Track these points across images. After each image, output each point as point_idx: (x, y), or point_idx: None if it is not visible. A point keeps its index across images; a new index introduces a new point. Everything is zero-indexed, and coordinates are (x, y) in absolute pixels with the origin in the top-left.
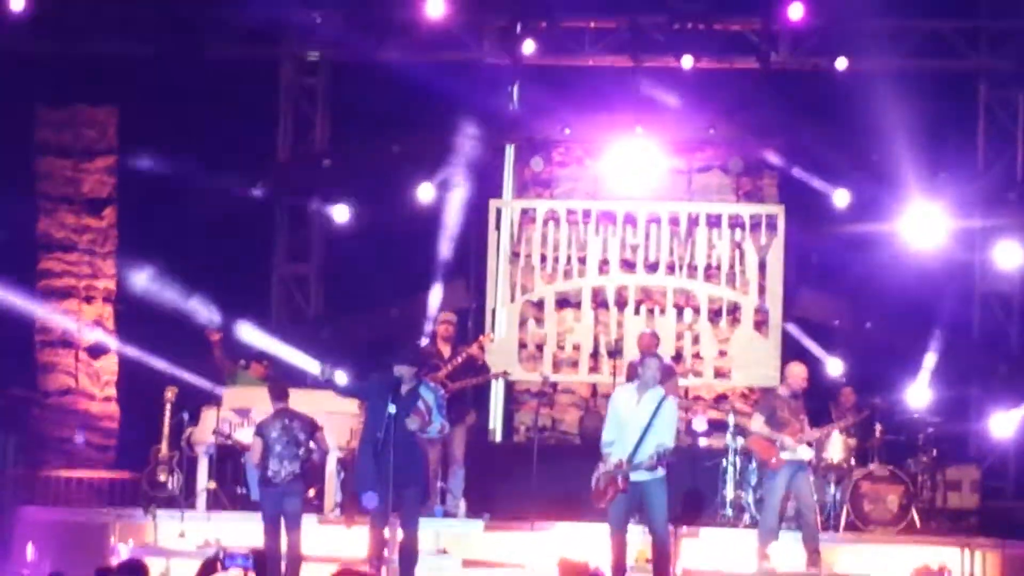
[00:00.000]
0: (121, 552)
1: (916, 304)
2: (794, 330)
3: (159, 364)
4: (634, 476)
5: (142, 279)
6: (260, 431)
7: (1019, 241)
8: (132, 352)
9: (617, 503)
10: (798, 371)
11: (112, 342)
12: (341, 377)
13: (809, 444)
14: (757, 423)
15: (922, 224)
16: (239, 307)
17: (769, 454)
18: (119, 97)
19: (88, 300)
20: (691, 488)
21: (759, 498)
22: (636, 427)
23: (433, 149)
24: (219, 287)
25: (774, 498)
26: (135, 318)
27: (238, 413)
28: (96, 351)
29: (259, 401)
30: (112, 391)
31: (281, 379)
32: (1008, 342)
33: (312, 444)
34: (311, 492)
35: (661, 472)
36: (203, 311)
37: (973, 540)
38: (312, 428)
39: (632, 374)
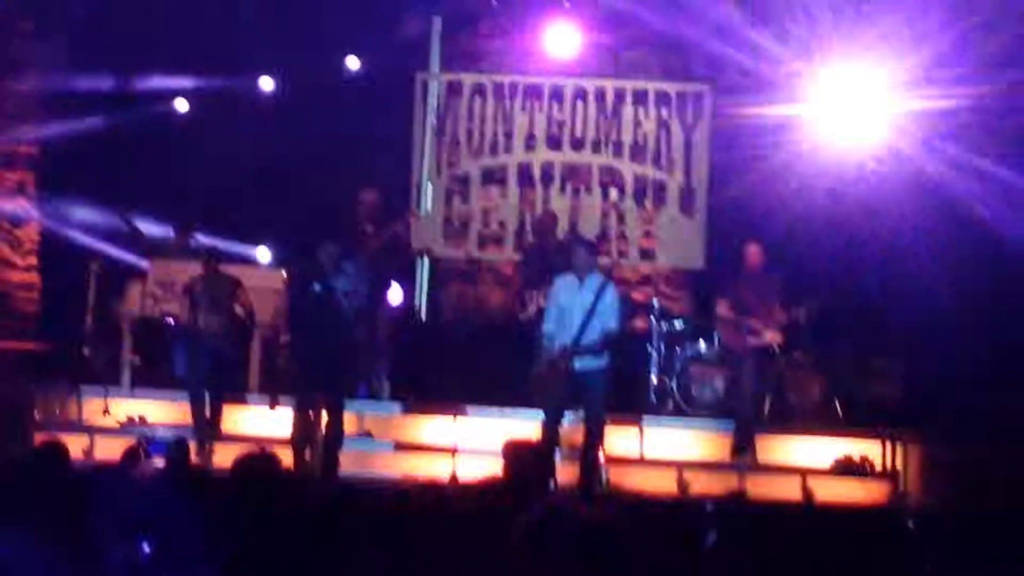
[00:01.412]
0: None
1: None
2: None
3: (82, 236)
4: (578, 363)
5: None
6: (187, 288)
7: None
8: (54, 222)
9: (554, 390)
10: (748, 249)
11: (33, 211)
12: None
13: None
14: (722, 307)
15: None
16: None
17: (736, 340)
18: None
19: (9, 166)
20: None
21: (683, 384)
22: (579, 312)
23: (360, 19)
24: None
25: (744, 388)
26: (59, 186)
27: (163, 287)
28: (16, 219)
29: (185, 275)
30: (33, 260)
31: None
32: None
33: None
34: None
35: (605, 360)
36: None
37: (894, 432)
38: (235, 284)
39: (530, 256)
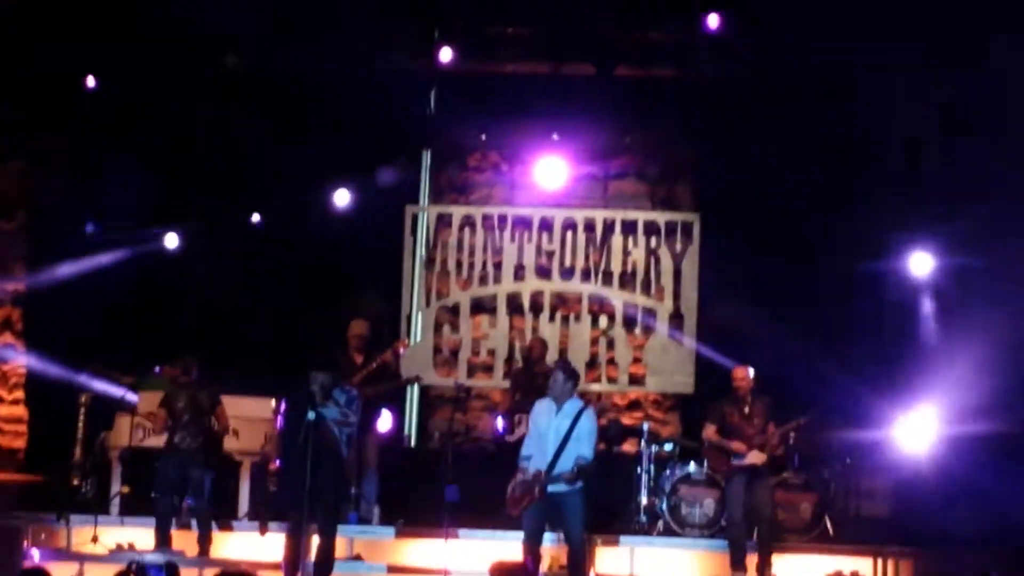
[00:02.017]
0: (35, 557)
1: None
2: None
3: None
4: (551, 487)
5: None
6: (165, 402)
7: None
8: (42, 356)
9: (532, 512)
10: (736, 374)
11: (20, 345)
12: None
13: (761, 449)
14: (708, 431)
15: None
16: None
17: (719, 463)
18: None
19: None
20: (605, 496)
21: (673, 505)
22: (555, 438)
23: (350, 154)
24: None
25: (733, 508)
26: (45, 321)
27: (152, 418)
28: (2, 357)
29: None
30: (20, 394)
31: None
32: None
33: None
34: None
35: (579, 484)
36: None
37: (885, 548)
38: (214, 401)
39: (518, 381)
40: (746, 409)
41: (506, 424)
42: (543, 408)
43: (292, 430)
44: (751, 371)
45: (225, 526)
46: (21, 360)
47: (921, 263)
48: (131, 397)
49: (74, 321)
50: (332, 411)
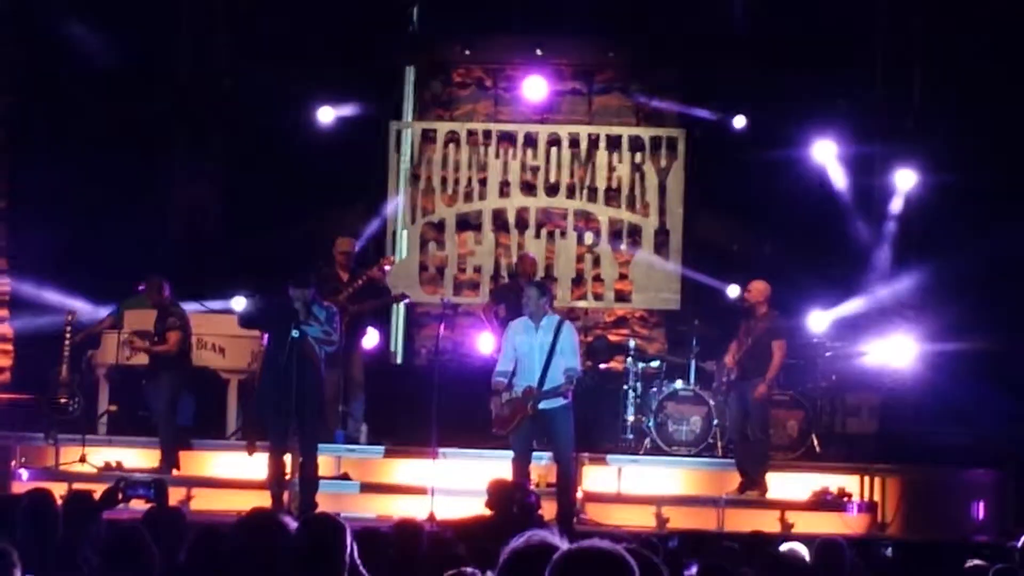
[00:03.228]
0: (23, 476)
1: (815, 229)
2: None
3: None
4: (543, 404)
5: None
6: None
7: (916, 167)
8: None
9: (522, 430)
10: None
11: (3, 262)
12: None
13: (741, 365)
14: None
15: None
16: (135, 228)
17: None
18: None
19: None
20: (592, 413)
21: (660, 423)
22: (540, 355)
23: (333, 71)
24: (117, 205)
25: (730, 421)
26: (29, 238)
27: (139, 335)
28: None
29: None
30: (5, 312)
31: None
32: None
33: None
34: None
35: (568, 400)
36: None
37: (872, 465)
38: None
39: (501, 295)
40: (748, 324)
41: (498, 343)
42: (519, 327)
43: (273, 347)
44: (757, 285)
45: (213, 446)
46: (4, 278)
47: (905, 179)
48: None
49: (59, 237)
50: (314, 329)
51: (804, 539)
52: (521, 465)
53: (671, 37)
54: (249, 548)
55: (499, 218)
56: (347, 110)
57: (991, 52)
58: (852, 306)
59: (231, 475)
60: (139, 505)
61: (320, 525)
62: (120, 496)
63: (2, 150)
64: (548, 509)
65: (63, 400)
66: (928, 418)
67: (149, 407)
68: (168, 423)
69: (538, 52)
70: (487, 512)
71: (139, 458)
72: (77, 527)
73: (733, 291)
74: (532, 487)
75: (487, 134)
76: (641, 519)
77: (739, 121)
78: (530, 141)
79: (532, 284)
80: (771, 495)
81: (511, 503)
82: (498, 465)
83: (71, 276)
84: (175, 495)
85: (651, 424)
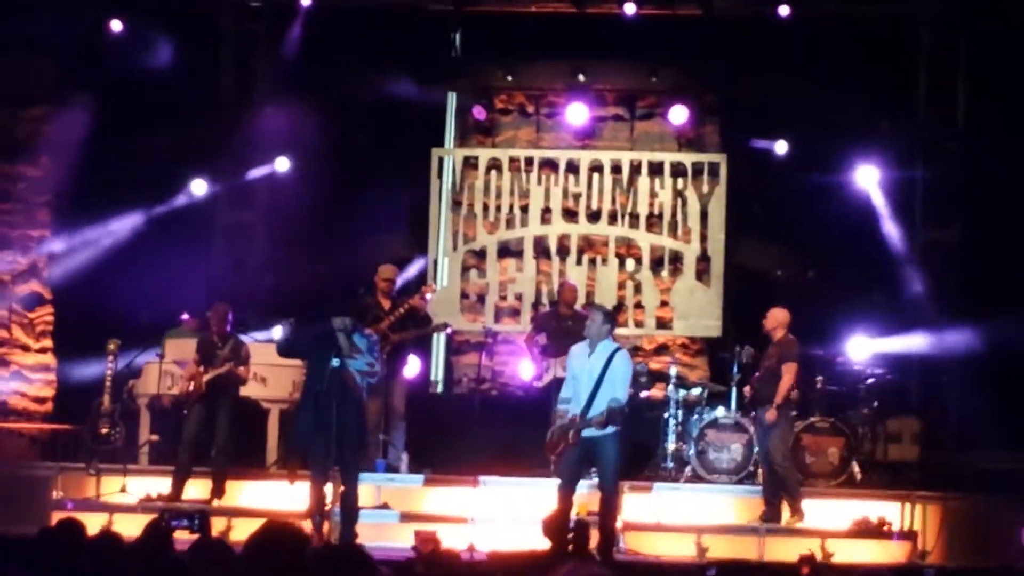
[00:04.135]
0: (68, 506)
1: (858, 254)
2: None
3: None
4: (586, 432)
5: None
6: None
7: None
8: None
9: (567, 457)
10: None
11: (47, 292)
12: (279, 332)
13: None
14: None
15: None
16: (182, 253)
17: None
18: (57, 45)
19: (23, 251)
20: (633, 441)
21: (701, 450)
22: (588, 381)
23: (375, 96)
24: (162, 233)
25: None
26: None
27: (180, 365)
28: (30, 302)
29: None
30: (48, 342)
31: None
32: (949, 290)
33: None
34: None
35: (613, 428)
36: None
37: (913, 493)
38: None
39: (542, 324)
40: (767, 352)
41: (539, 371)
42: (578, 351)
43: (313, 376)
44: (774, 312)
45: (253, 475)
46: (48, 309)
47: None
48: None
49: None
50: (358, 363)
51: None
52: (565, 493)
53: (713, 62)
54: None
55: (540, 245)
56: (389, 135)
57: None
58: (896, 343)
59: (272, 505)
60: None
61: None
62: (165, 526)
63: (45, 176)
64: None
65: (105, 430)
66: (970, 444)
67: (192, 434)
68: (229, 450)
69: (580, 78)
70: (543, 546)
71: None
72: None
73: None
74: (573, 515)
75: (529, 160)
76: (681, 548)
77: (781, 147)
78: (572, 167)
79: (599, 308)
80: (811, 524)
81: (566, 537)
82: (538, 493)
83: (114, 305)
84: (216, 525)
85: (692, 452)
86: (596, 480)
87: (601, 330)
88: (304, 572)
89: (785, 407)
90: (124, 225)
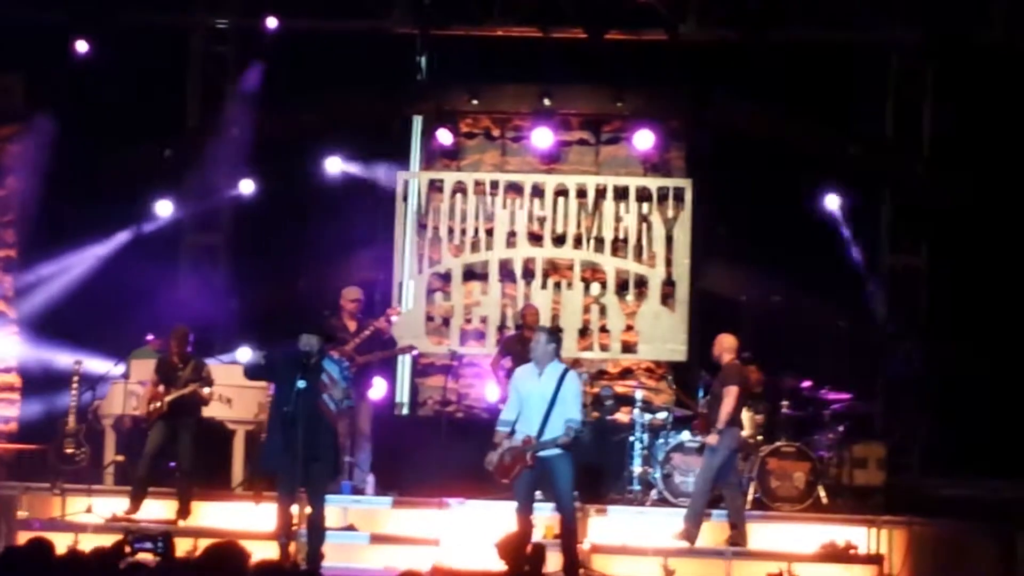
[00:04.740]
0: (34, 526)
1: (823, 279)
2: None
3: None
4: (542, 452)
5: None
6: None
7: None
8: (32, 324)
9: (522, 479)
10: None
11: (11, 312)
12: (245, 354)
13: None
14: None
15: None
16: (147, 274)
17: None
18: (25, 64)
19: None
20: (598, 463)
21: (667, 474)
22: (540, 402)
23: (341, 120)
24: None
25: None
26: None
27: (144, 385)
28: None
29: None
30: (13, 362)
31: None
32: (916, 316)
33: None
34: None
35: (565, 449)
36: None
37: (879, 517)
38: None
39: (507, 347)
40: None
41: (504, 393)
42: (525, 373)
43: (280, 397)
44: (720, 338)
45: (218, 496)
46: (13, 328)
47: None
48: (119, 366)
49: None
50: (337, 392)
51: None
52: (524, 515)
53: (679, 87)
54: None
55: (505, 268)
56: (354, 159)
57: (1002, 98)
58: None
59: (237, 526)
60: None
61: None
62: (128, 550)
63: (10, 196)
64: (553, 560)
65: (70, 450)
66: (935, 470)
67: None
68: (193, 470)
69: (546, 102)
70: (498, 568)
71: (146, 509)
72: None
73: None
74: (539, 538)
75: (494, 184)
76: (647, 572)
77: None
78: (537, 191)
79: (542, 329)
80: (778, 547)
81: (522, 559)
82: (506, 515)
83: (79, 326)
84: (181, 546)
85: (657, 475)
86: (553, 503)
87: (547, 350)
88: None
89: (728, 432)
90: (87, 257)
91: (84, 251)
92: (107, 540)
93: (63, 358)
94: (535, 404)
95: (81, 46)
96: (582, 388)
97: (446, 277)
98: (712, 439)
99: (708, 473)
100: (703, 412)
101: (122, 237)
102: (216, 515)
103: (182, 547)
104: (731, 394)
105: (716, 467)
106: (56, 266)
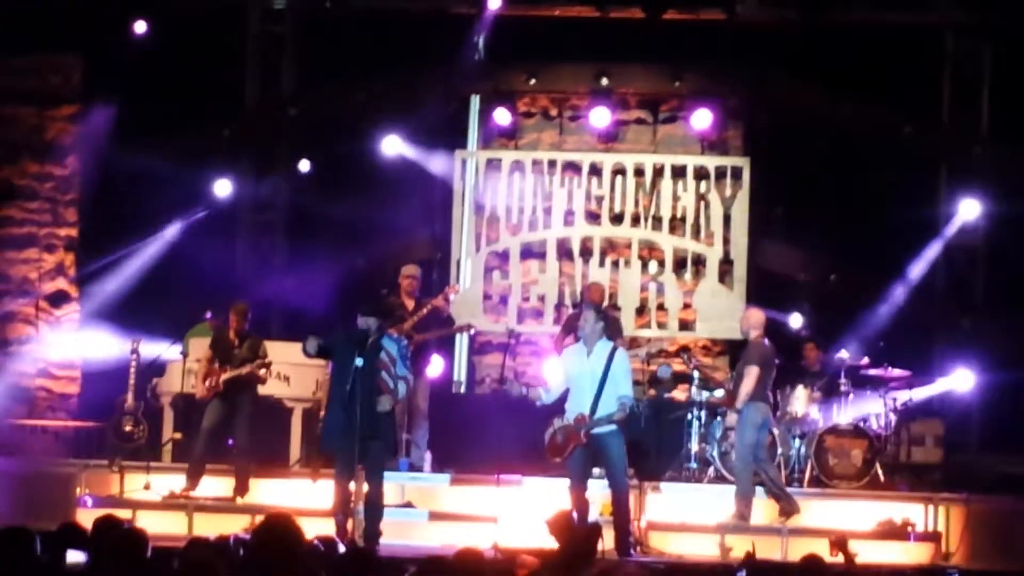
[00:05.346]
0: (88, 503)
1: (881, 257)
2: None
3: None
4: (596, 430)
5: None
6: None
7: (982, 195)
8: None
9: (576, 457)
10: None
11: (73, 291)
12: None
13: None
14: None
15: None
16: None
17: None
18: (84, 45)
19: (49, 249)
20: (656, 442)
21: (724, 452)
22: (590, 381)
23: (399, 99)
24: (186, 232)
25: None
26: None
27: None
28: (57, 299)
29: None
30: (73, 341)
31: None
32: (972, 295)
33: None
34: None
35: (617, 426)
36: None
37: (936, 495)
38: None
39: (571, 325)
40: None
41: None
42: (573, 353)
43: (339, 375)
44: (748, 313)
45: (276, 473)
46: (75, 307)
47: (971, 209)
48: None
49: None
50: (381, 356)
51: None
52: (579, 493)
53: (736, 66)
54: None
55: (563, 247)
56: (412, 139)
57: None
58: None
59: (295, 503)
60: None
61: None
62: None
63: (72, 175)
64: (609, 538)
65: (128, 428)
66: (994, 446)
67: (209, 428)
68: (250, 448)
69: (603, 81)
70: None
71: (202, 486)
72: None
73: (796, 321)
74: (596, 515)
75: (552, 163)
76: (704, 548)
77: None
78: (595, 170)
79: (591, 307)
80: (835, 524)
81: (574, 537)
82: (563, 493)
83: (138, 305)
84: (240, 522)
85: (715, 453)
86: (606, 480)
87: (595, 329)
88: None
89: (748, 409)
90: (155, 241)
91: (152, 235)
92: (165, 517)
93: (122, 337)
94: (585, 383)
95: (139, 26)
96: (630, 365)
97: (504, 256)
98: (731, 419)
99: (741, 451)
100: (728, 390)
101: (185, 219)
102: (274, 492)
103: (240, 524)
104: (751, 374)
105: (748, 445)
106: (124, 250)
